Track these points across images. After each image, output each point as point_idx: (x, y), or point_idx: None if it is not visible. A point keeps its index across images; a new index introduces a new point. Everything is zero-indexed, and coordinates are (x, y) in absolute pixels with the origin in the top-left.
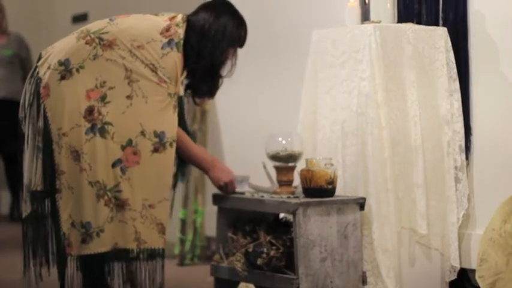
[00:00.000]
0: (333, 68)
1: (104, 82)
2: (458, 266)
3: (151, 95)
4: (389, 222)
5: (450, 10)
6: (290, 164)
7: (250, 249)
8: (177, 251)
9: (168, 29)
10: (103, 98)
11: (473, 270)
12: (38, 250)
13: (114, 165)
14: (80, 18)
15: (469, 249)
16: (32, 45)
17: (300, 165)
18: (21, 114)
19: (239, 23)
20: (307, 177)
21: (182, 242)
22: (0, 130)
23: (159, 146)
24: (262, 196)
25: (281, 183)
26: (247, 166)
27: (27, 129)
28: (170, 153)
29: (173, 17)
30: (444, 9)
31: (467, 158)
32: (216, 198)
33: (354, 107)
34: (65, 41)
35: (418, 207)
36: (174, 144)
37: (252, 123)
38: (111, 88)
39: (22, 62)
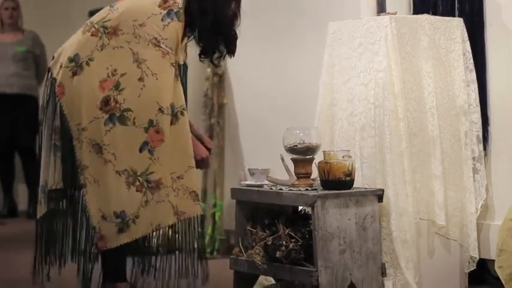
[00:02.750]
0: (350, 60)
1: (115, 70)
2: (477, 257)
3: (160, 71)
4: (407, 214)
5: (466, 1)
6: (308, 157)
7: (269, 242)
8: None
9: (165, 1)
10: (117, 86)
11: (493, 261)
12: (52, 250)
13: (141, 149)
14: None
15: (488, 239)
16: (49, 42)
17: (318, 158)
18: (40, 116)
19: None
20: (325, 169)
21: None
22: (14, 125)
23: (172, 118)
24: (281, 189)
25: (299, 175)
26: (265, 159)
27: (44, 129)
28: (184, 122)
29: None
30: (460, 0)
31: (484, 148)
32: (235, 192)
33: (371, 99)
34: (72, 37)
35: (436, 198)
36: (185, 112)
37: (270, 116)
38: (122, 75)
39: (36, 59)
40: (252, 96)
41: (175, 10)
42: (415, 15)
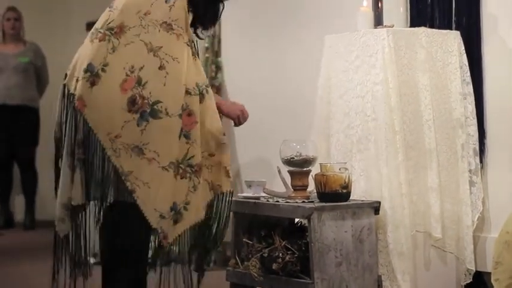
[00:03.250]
0: (346, 73)
1: (132, 66)
2: (473, 269)
3: (179, 54)
4: (404, 226)
5: (463, 14)
6: (305, 169)
7: (266, 254)
8: None
9: None
10: (139, 82)
11: (489, 273)
12: (79, 264)
13: (179, 137)
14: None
15: (484, 252)
16: (48, 54)
17: (315, 170)
18: (57, 133)
19: None
20: (322, 181)
21: None
22: (14, 136)
23: (200, 97)
24: (277, 201)
25: (296, 188)
26: (262, 171)
27: (63, 145)
28: (210, 98)
29: None
30: (457, 13)
31: (481, 161)
32: (231, 204)
33: (368, 112)
34: (81, 49)
35: (432, 210)
36: (209, 89)
37: (267, 128)
38: (141, 68)
39: (37, 71)
40: (249, 107)
41: None
42: (412, 28)
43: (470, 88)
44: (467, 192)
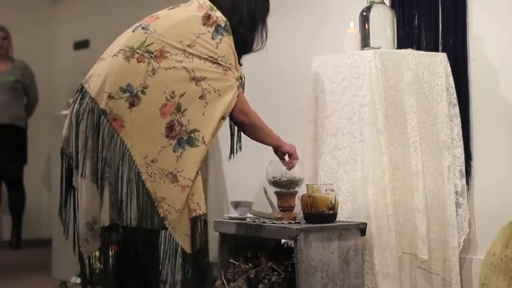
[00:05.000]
0: (333, 94)
1: (173, 92)
2: None
3: (222, 88)
4: (390, 248)
5: (450, 36)
6: (291, 190)
7: (252, 275)
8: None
9: (208, 17)
10: (178, 109)
11: None
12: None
13: None
14: (82, 45)
15: (470, 274)
16: (35, 72)
17: (301, 191)
18: (68, 149)
19: None
20: (308, 203)
21: None
22: (1, 155)
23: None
24: (264, 222)
25: (282, 209)
26: (248, 192)
27: (82, 165)
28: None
29: (200, 5)
30: (444, 35)
31: (467, 183)
32: (217, 225)
33: (355, 133)
34: (109, 65)
35: (419, 232)
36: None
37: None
38: (181, 95)
39: (25, 89)
40: None
41: (222, 25)
42: (398, 50)
43: (456, 110)
44: (454, 214)
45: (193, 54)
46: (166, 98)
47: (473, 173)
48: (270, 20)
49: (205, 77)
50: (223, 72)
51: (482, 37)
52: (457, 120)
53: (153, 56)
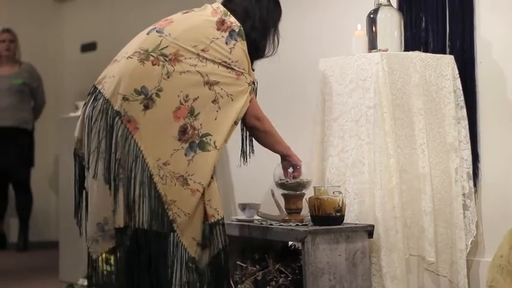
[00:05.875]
0: (341, 96)
1: (187, 96)
2: None
3: (235, 92)
4: (397, 250)
5: (457, 38)
6: (298, 192)
7: (259, 277)
8: None
9: (222, 23)
10: (192, 112)
11: None
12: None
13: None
14: (89, 48)
15: (478, 276)
16: (42, 75)
17: (309, 193)
18: (81, 150)
19: (276, 2)
20: (316, 205)
21: None
22: (8, 158)
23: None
24: (271, 224)
25: (290, 211)
26: (256, 194)
27: (94, 165)
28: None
29: (214, 10)
30: (451, 38)
31: (475, 185)
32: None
33: (362, 135)
34: (124, 67)
35: (426, 234)
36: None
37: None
38: (195, 99)
39: (32, 91)
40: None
41: (236, 30)
42: (406, 52)
43: (464, 112)
44: (461, 216)
45: (207, 59)
46: (180, 101)
47: (481, 175)
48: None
49: (219, 82)
50: (236, 77)
51: (489, 39)
52: (464, 123)
53: (167, 59)
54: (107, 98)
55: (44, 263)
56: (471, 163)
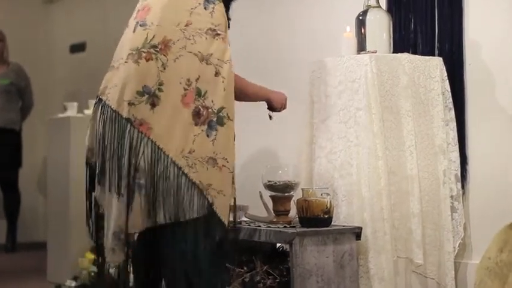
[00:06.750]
0: (330, 98)
1: (188, 80)
2: None
3: (229, 56)
4: (385, 252)
5: (446, 40)
6: (287, 194)
7: (247, 279)
8: None
9: None
10: (199, 93)
11: None
12: None
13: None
14: (78, 48)
15: (466, 278)
16: (30, 76)
17: (297, 195)
18: (92, 159)
19: None
20: (304, 206)
21: None
22: None
23: None
24: (259, 226)
25: (278, 212)
26: (244, 196)
27: (109, 174)
28: None
29: None
30: (440, 39)
31: (463, 187)
32: None
33: (351, 137)
34: (123, 73)
35: (414, 236)
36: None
37: (250, 153)
38: (197, 80)
39: (20, 92)
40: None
41: None
42: (395, 54)
43: (452, 114)
44: (449, 218)
45: (193, 35)
46: (183, 87)
47: (469, 178)
48: (268, 25)
49: (212, 53)
50: (222, 42)
51: (478, 41)
52: (453, 125)
53: (158, 50)
54: (114, 109)
55: (32, 264)
56: (459, 165)
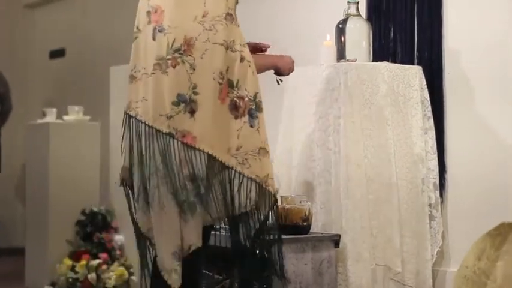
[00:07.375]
0: (309, 106)
1: (221, 73)
2: None
3: (244, 39)
4: (363, 259)
5: (425, 49)
6: None
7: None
8: None
9: None
10: (231, 84)
11: None
12: None
13: None
14: (57, 54)
15: (444, 286)
16: (9, 82)
17: None
18: (131, 179)
19: None
20: (283, 214)
21: None
22: None
23: None
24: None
25: None
26: None
27: (156, 191)
28: None
29: None
30: (419, 48)
31: (441, 195)
32: None
33: (330, 145)
34: (152, 86)
35: (392, 244)
36: None
37: None
38: (227, 71)
39: None
40: None
41: None
42: (374, 63)
43: (431, 123)
44: (427, 226)
45: (213, 24)
46: (218, 82)
47: (447, 186)
48: (247, 33)
49: (234, 40)
50: (237, 26)
51: (457, 50)
52: (432, 133)
53: (182, 52)
54: (150, 125)
55: (9, 270)
56: (438, 174)
